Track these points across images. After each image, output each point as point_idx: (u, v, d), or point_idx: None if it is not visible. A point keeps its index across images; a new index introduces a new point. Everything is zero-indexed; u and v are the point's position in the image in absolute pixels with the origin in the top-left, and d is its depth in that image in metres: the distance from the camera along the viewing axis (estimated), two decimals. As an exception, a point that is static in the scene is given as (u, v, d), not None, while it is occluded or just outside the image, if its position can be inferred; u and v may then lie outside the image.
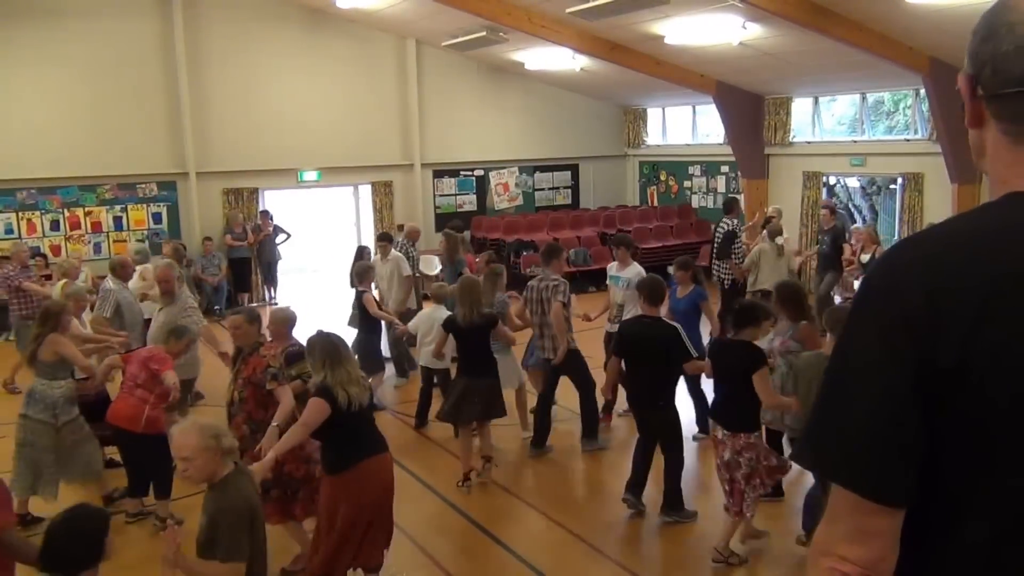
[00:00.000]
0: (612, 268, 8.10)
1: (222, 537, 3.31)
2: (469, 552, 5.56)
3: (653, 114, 17.03)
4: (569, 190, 17.21)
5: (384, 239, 9.88)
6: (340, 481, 4.49)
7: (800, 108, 14.06)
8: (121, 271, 7.96)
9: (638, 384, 5.97)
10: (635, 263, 8.01)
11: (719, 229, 10.50)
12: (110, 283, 7.85)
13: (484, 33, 12.50)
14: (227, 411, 5.30)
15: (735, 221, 10.46)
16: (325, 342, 4.59)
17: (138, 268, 8.79)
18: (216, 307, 12.96)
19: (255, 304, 10.82)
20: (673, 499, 5.77)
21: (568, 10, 10.40)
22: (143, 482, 5.94)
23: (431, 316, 7.73)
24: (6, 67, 12.32)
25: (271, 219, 14.13)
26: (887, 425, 1.12)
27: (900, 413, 1.11)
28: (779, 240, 9.29)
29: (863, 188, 15.80)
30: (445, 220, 15.16)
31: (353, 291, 8.86)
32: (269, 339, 5.69)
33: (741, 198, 14.08)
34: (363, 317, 8.29)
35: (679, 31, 10.93)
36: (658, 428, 5.82)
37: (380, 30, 14.48)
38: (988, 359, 1.07)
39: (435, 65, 15.19)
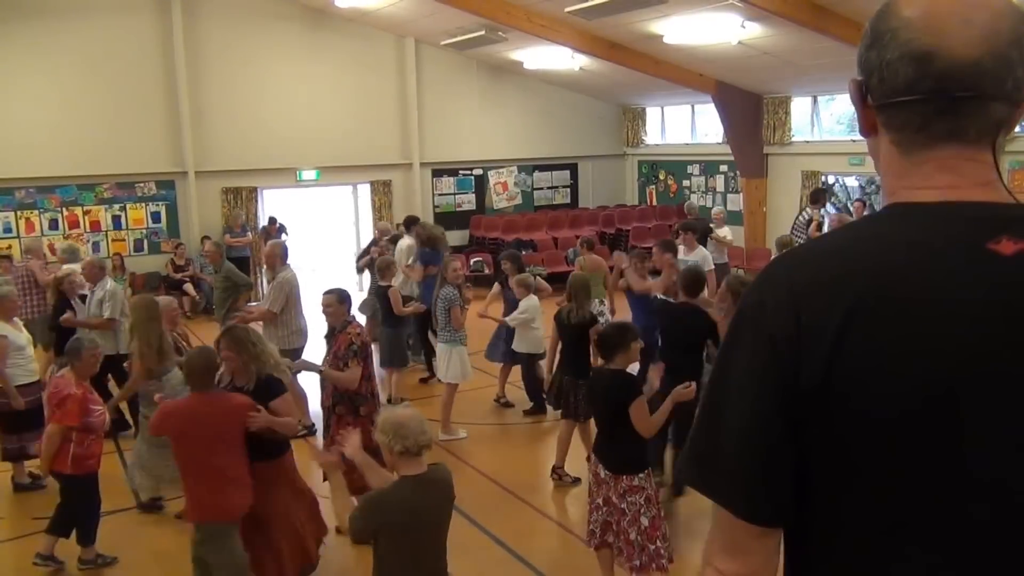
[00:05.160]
0: (680, 252, 8.62)
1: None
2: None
3: (652, 113, 17.02)
4: (568, 189, 17.20)
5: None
6: (279, 464, 4.61)
7: (799, 107, 14.07)
8: None
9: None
10: (701, 247, 8.54)
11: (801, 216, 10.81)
12: None
13: (483, 32, 12.49)
14: (321, 383, 5.76)
15: (819, 211, 10.71)
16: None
17: None
18: (214, 306, 12.90)
19: (254, 304, 10.84)
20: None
21: (567, 9, 10.40)
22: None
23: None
24: (4, 65, 12.29)
25: (276, 223, 14.14)
26: (755, 446, 1.08)
27: (768, 434, 1.07)
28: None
29: (862, 187, 15.80)
30: (445, 219, 15.15)
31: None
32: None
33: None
34: (388, 312, 8.34)
35: (678, 30, 10.93)
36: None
37: (379, 29, 14.47)
38: (849, 380, 1.03)
39: (434, 64, 15.18)
